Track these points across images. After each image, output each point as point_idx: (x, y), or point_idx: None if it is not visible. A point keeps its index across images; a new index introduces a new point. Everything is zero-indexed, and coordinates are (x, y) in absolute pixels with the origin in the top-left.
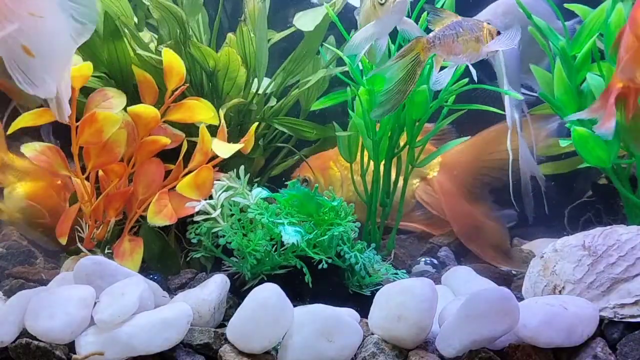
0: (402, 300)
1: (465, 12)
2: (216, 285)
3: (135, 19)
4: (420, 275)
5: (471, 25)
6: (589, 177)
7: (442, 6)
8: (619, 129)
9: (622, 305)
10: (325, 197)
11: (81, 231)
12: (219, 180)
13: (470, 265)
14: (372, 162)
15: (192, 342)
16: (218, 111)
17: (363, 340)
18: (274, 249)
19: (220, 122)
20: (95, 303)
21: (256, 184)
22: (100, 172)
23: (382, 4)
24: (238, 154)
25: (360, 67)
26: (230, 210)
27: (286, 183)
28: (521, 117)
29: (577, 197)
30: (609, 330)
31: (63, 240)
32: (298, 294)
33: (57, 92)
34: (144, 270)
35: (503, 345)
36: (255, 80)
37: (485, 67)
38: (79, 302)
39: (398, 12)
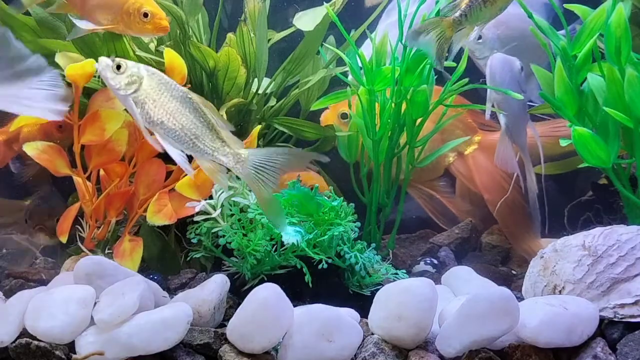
0: (402, 300)
1: None
2: (216, 285)
3: None
4: (420, 275)
5: None
6: (590, 177)
7: (438, 11)
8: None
9: (622, 305)
10: (325, 197)
11: (82, 231)
12: None
13: (470, 265)
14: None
15: (192, 342)
16: (218, 111)
17: (363, 340)
18: (274, 249)
19: None
20: (95, 303)
21: None
22: (101, 172)
23: None
24: None
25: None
26: (230, 210)
27: (286, 183)
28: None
29: (578, 197)
30: (609, 330)
31: (63, 239)
32: (298, 294)
33: None
34: (144, 270)
35: (503, 345)
36: (255, 80)
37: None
38: (79, 302)
39: None
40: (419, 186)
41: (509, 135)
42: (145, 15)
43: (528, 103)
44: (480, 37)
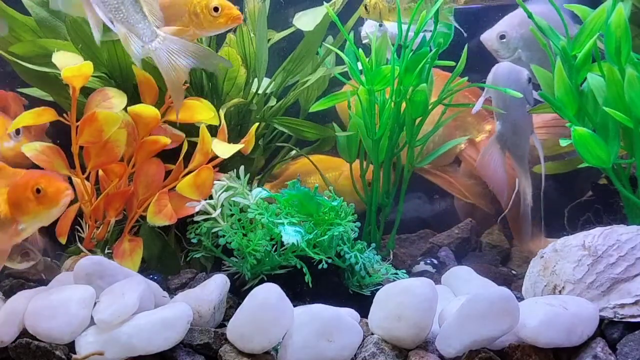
0: (402, 300)
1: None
2: (216, 285)
3: None
4: (420, 275)
5: None
6: (590, 177)
7: (437, 11)
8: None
9: (622, 305)
10: (325, 197)
11: (81, 231)
12: (219, 180)
13: (470, 265)
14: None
15: (192, 342)
16: (218, 111)
17: (363, 340)
18: (274, 249)
19: (220, 122)
20: (95, 303)
21: (256, 184)
22: (100, 172)
23: None
24: (238, 154)
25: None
26: (230, 210)
27: (286, 183)
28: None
29: (578, 198)
30: (609, 330)
31: (63, 240)
32: (298, 294)
33: None
34: (144, 270)
35: (503, 345)
36: (255, 80)
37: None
38: (79, 302)
39: None
40: (432, 170)
41: (500, 143)
42: (216, 9)
43: None
44: (503, 37)
